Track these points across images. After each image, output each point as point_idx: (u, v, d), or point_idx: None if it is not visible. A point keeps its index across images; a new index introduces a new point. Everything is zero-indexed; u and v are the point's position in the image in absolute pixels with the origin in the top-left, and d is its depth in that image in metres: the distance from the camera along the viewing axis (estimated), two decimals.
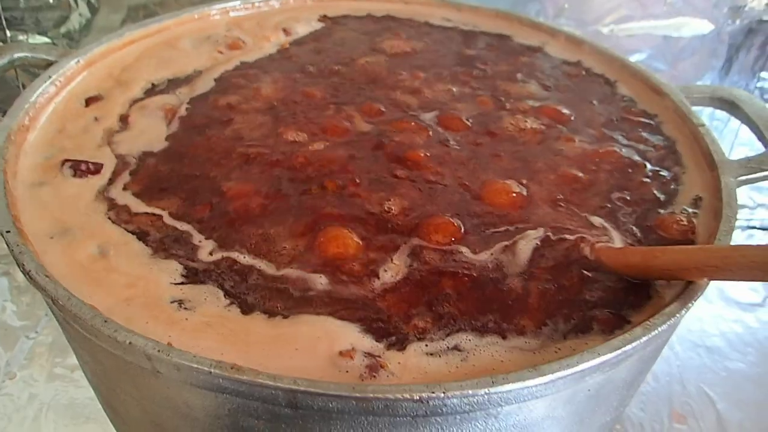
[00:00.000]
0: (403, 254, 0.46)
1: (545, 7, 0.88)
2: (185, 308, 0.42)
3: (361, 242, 0.46)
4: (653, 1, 0.88)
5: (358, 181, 0.52)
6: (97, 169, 0.52)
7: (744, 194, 1.06)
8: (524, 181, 0.53)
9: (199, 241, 0.46)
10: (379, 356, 0.39)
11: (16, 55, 0.62)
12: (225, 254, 0.45)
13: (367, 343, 0.40)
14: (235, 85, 0.64)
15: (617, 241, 0.48)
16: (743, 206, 1.06)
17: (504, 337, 0.41)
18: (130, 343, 0.37)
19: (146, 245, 0.46)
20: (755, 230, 1.06)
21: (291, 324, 0.41)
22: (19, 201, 0.48)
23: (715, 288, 0.92)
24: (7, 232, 0.43)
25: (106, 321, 0.38)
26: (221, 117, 0.59)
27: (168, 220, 0.48)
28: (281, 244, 0.46)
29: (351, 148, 0.55)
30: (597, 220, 0.50)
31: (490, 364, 0.40)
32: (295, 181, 0.52)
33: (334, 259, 0.45)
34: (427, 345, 0.40)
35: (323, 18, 0.77)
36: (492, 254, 0.46)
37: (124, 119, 0.58)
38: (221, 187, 0.51)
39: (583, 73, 0.70)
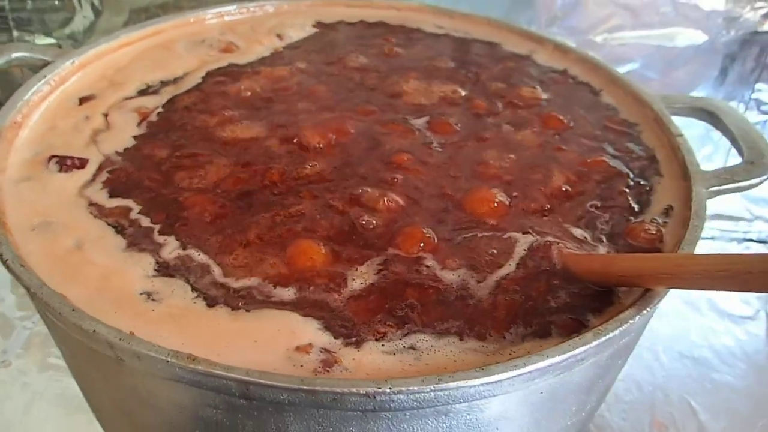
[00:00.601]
0: (372, 264, 0.47)
1: (538, 15, 0.89)
2: (153, 300, 0.43)
3: (329, 254, 0.47)
4: (646, 10, 0.88)
5: (333, 187, 0.53)
6: (82, 164, 0.54)
7: (741, 206, 1.06)
8: (512, 192, 0.54)
9: (164, 240, 0.48)
10: (335, 352, 0.41)
11: (14, 55, 0.64)
12: (184, 253, 0.47)
13: (325, 339, 0.41)
14: (217, 84, 0.65)
15: (592, 250, 0.49)
16: (740, 218, 1.06)
17: (461, 339, 0.42)
18: (94, 331, 0.38)
19: (123, 239, 0.48)
20: (752, 243, 1.06)
21: (253, 318, 0.43)
22: (6, 195, 0.50)
23: (705, 300, 0.92)
24: None
25: (73, 310, 0.39)
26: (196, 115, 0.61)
27: (134, 216, 0.49)
28: (243, 253, 0.47)
29: (335, 153, 0.57)
30: (578, 232, 0.51)
31: (443, 363, 0.41)
32: (261, 187, 0.53)
33: (303, 271, 0.46)
34: (383, 345, 0.42)
35: (318, 24, 0.79)
36: (461, 270, 0.47)
37: (106, 118, 0.60)
38: (177, 197, 0.52)
39: (570, 81, 0.71)
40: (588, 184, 0.56)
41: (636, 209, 0.54)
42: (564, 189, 0.55)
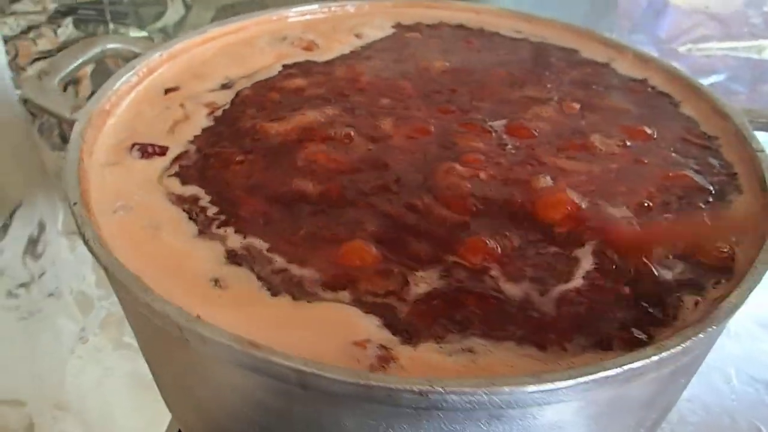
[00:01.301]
0: (435, 271, 0.47)
1: (620, 22, 0.87)
2: (220, 287, 0.45)
3: (385, 256, 0.47)
4: (735, 21, 0.85)
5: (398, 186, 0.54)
6: (162, 151, 0.57)
7: None
8: (587, 199, 0.53)
9: (224, 231, 0.49)
10: (392, 349, 0.41)
11: (108, 46, 0.68)
12: (247, 242, 0.48)
13: (383, 336, 0.42)
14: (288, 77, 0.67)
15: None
16: None
17: (519, 345, 0.42)
18: (164, 311, 0.40)
19: (195, 225, 0.50)
20: None
21: (314, 309, 0.44)
22: (92, 178, 0.53)
23: None
24: (74, 204, 0.48)
25: (145, 290, 0.42)
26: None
27: (204, 204, 0.52)
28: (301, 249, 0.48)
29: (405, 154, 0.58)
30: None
31: (498, 368, 0.41)
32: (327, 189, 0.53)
33: (360, 271, 0.46)
34: (441, 346, 0.42)
35: (397, 25, 0.80)
36: (525, 283, 0.46)
37: (185, 109, 0.62)
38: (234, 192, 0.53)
39: (649, 90, 0.69)
40: (667, 198, 0.55)
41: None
42: (646, 204, 0.54)
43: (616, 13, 0.85)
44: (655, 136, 0.62)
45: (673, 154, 0.59)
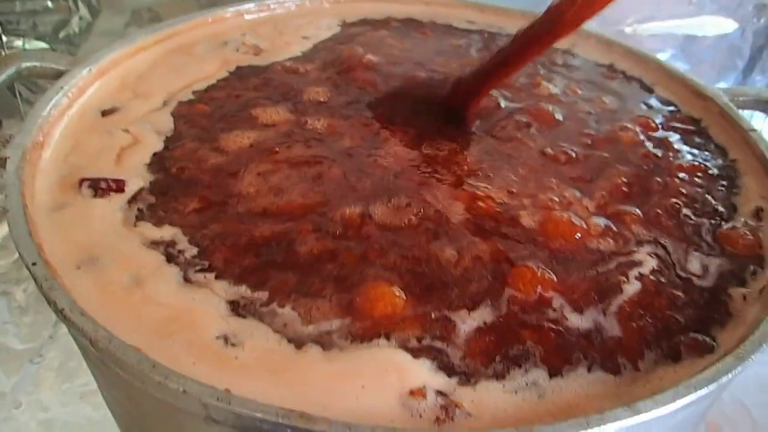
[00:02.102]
0: (485, 307, 0.41)
1: None
2: (232, 344, 0.38)
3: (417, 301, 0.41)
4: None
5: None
6: (119, 186, 0.48)
7: None
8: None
9: (206, 276, 0.42)
10: (451, 394, 0.36)
11: (24, 65, 0.57)
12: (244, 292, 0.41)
13: (438, 380, 0.37)
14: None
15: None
16: None
17: (589, 371, 0.38)
18: (183, 390, 0.33)
19: (179, 271, 0.42)
20: None
21: (352, 358, 0.38)
22: (40, 227, 0.44)
23: None
24: (33, 264, 0.39)
25: (154, 366, 0.34)
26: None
27: (182, 246, 0.44)
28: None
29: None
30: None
31: (572, 399, 0.37)
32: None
33: (394, 319, 0.40)
34: (503, 384, 0.37)
35: (343, 23, 0.73)
36: (586, 309, 0.42)
37: (132, 133, 0.54)
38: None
39: (620, 76, 0.68)
40: (691, 188, 0.53)
41: (725, 213, 0.51)
42: (674, 204, 0.51)
43: None
44: (659, 126, 0.60)
45: (675, 143, 0.57)
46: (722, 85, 0.87)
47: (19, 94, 0.82)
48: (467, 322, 0.40)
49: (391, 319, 0.40)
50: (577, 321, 0.41)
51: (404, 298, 0.41)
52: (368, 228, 0.45)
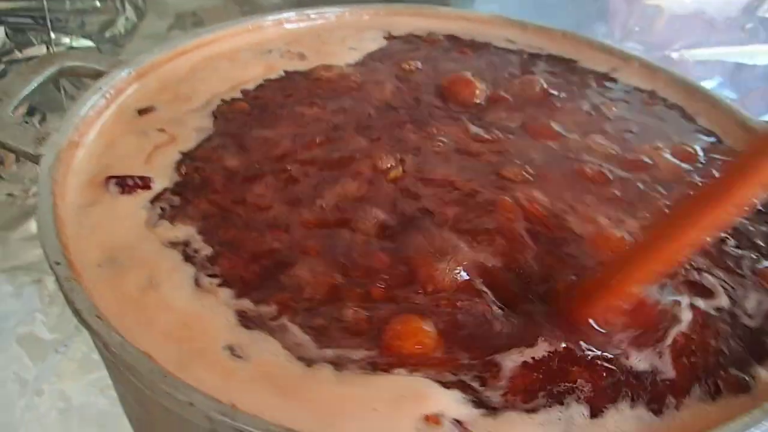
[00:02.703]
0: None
1: (612, 29, 0.83)
2: (239, 356, 0.38)
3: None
4: (728, 26, 0.83)
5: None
6: (145, 183, 0.49)
7: None
8: None
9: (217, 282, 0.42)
10: (469, 424, 0.35)
11: (66, 64, 0.59)
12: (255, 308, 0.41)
13: (462, 410, 0.36)
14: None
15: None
16: None
17: (632, 408, 0.37)
18: (190, 403, 0.33)
19: (194, 273, 0.42)
20: None
21: (367, 381, 0.37)
22: (68, 225, 0.45)
23: None
24: (57, 263, 0.40)
25: (165, 376, 0.34)
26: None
27: (199, 247, 0.44)
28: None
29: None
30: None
31: None
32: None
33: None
34: (533, 418, 0.36)
35: (389, 36, 0.73)
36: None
37: (164, 131, 0.54)
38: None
39: (660, 103, 0.66)
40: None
41: (764, 249, 0.49)
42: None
43: (606, 20, 0.82)
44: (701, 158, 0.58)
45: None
46: None
47: (64, 89, 0.84)
48: (514, 359, 0.38)
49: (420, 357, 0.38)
50: (635, 360, 0.39)
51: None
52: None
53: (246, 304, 0.41)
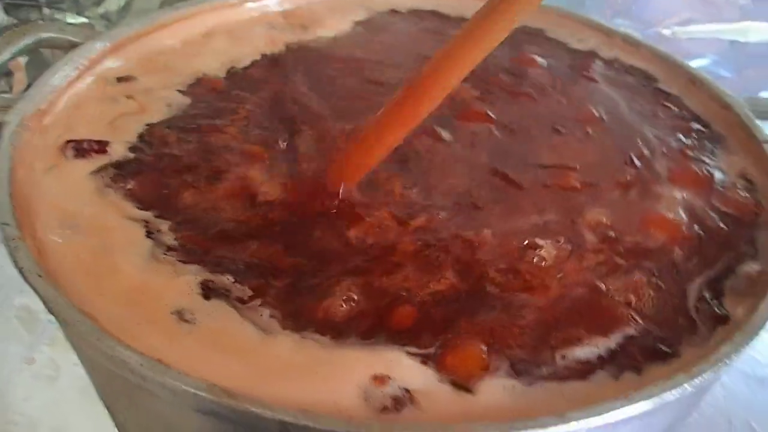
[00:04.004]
0: None
1: (602, 6, 0.82)
2: (186, 321, 0.38)
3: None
4: (722, 3, 0.81)
5: None
6: (101, 148, 0.49)
7: None
8: None
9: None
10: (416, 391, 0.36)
11: (42, 35, 0.60)
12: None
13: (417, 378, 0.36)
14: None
15: None
16: None
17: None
18: (119, 357, 0.34)
19: (152, 242, 0.43)
20: None
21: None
22: (25, 189, 0.46)
23: None
24: (5, 224, 0.41)
25: (99, 334, 0.35)
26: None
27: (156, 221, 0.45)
28: None
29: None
30: None
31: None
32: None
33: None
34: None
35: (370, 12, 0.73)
36: None
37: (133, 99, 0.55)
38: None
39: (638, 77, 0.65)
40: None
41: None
42: None
43: None
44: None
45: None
46: (765, 95, 0.82)
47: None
48: None
49: None
50: None
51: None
52: None
53: (203, 273, 0.41)
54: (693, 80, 0.63)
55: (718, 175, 0.53)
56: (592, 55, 0.68)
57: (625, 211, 0.48)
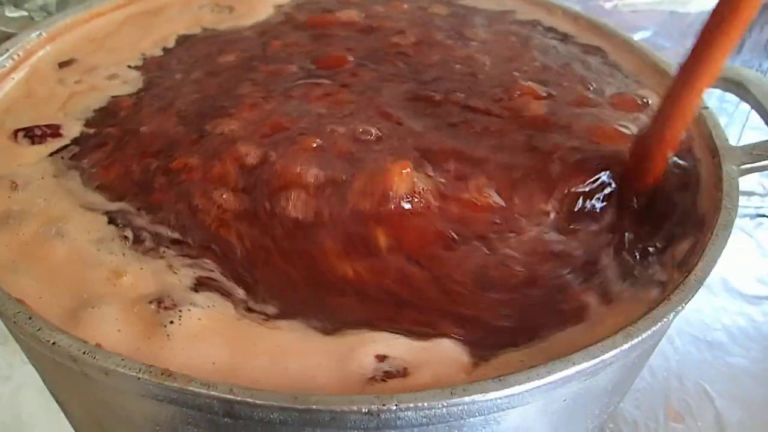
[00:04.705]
0: None
1: None
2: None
3: None
4: None
5: None
6: (54, 131, 0.49)
7: (755, 181, 1.01)
8: None
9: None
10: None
11: None
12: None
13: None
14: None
15: None
16: (753, 193, 1.01)
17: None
18: (53, 343, 0.33)
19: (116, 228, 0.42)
20: (765, 218, 1.01)
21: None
22: None
23: (718, 279, 0.87)
24: None
25: (30, 318, 0.35)
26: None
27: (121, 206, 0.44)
28: None
29: None
30: None
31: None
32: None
33: None
34: None
35: None
36: None
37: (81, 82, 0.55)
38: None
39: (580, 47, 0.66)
40: None
41: None
42: None
43: None
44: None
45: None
46: None
47: None
48: None
49: None
50: None
51: None
52: None
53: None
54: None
55: None
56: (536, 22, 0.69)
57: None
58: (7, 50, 0.56)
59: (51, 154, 0.48)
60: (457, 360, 0.36)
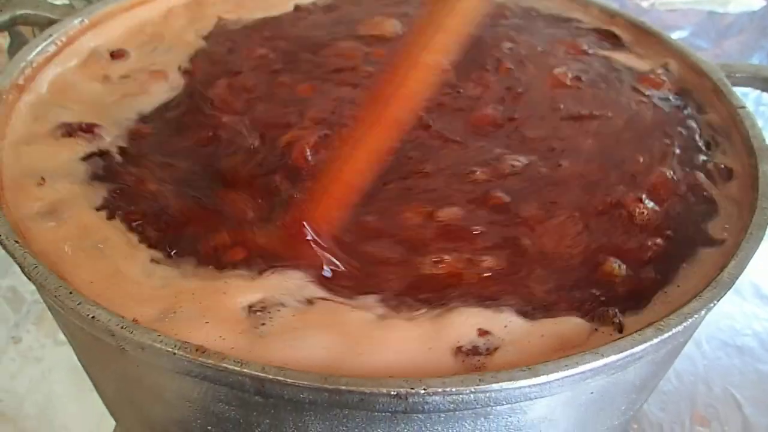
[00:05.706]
0: None
1: None
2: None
3: None
4: None
5: None
6: (89, 128, 0.49)
7: None
8: None
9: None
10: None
11: (18, 12, 0.60)
12: None
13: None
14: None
15: None
16: None
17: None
18: (92, 317, 0.34)
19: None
20: None
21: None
22: (5, 161, 0.46)
23: (749, 285, 0.86)
24: None
25: (71, 293, 0.36)
26: None
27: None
28: None
29: None
30: None
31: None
32: None
33: None
34: None
35: None
36: None
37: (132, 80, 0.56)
38: None
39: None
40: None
41: None
42: None
43: None
44: None
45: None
46: None
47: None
48: None
49: None
50: None
51: None
52: None
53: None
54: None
55: None
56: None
57: None
58: (51, 35, 0.57)
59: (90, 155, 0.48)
60: None
